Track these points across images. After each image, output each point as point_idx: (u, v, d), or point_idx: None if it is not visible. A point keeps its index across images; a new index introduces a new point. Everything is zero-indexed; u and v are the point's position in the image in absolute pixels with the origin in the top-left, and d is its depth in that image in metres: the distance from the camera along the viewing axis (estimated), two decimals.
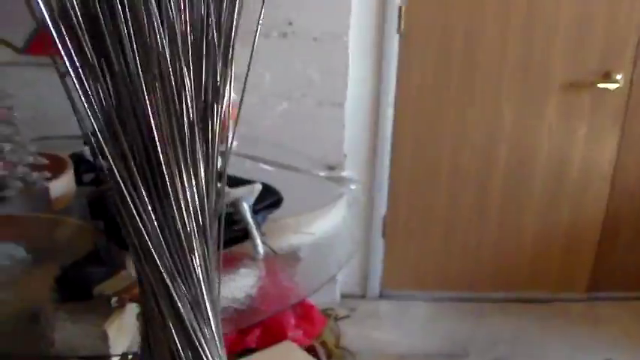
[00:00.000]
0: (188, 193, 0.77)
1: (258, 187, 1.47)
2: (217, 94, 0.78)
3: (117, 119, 0.73)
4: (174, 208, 0.76)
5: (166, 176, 0.75)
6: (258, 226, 1.44)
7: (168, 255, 0.77)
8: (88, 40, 0.71)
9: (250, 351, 2.23)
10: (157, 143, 0.74)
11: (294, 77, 2.39)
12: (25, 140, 1.26)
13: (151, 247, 0.76)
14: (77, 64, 0.71)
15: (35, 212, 1.68)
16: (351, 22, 2.31)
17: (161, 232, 0.76)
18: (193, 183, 0.78)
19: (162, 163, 0.74)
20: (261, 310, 1.36)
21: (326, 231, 1.55)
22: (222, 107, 0.80)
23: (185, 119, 0.75)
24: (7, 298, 1.25)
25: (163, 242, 0.77)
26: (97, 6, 0.70)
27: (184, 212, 0.77)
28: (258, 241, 1.38)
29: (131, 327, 1.15)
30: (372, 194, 2.69)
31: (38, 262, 1.43)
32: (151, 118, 0.73)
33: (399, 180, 2.69)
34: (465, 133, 2.61)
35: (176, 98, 0.74)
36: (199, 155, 0.77)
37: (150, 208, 0.76)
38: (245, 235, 1.40)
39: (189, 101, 0.75)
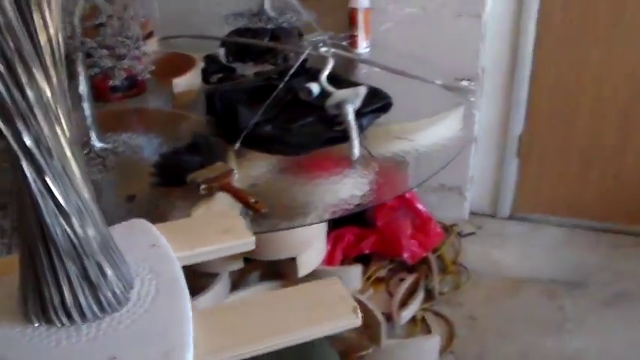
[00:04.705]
0: None
1: (363, 89, 1.45)
2: None
3: None
4: None
5: None
6: (361, 128, 1.43)
7: None
8: None
9: (365, 257, 2.26)
10: None
11: None
12: (139, 37, 1.30)
13: None
14: None
15: (160, 107, 1.79)
16: None
17: None
18: None
19: None
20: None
21: (434, 141, 1.51)
22: None
23: None
24: (113, 180, 1.34)
25: None
26: None
27: None
28: (356, 143, 1.37)
29: None
30: (509, 111, 2.58)
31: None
32: None
33: (538, 98, 2.53)
34: (614, 51, 2.39)
35: None
36: None
37: None
38: (345, 136, 1.40)
39: None
